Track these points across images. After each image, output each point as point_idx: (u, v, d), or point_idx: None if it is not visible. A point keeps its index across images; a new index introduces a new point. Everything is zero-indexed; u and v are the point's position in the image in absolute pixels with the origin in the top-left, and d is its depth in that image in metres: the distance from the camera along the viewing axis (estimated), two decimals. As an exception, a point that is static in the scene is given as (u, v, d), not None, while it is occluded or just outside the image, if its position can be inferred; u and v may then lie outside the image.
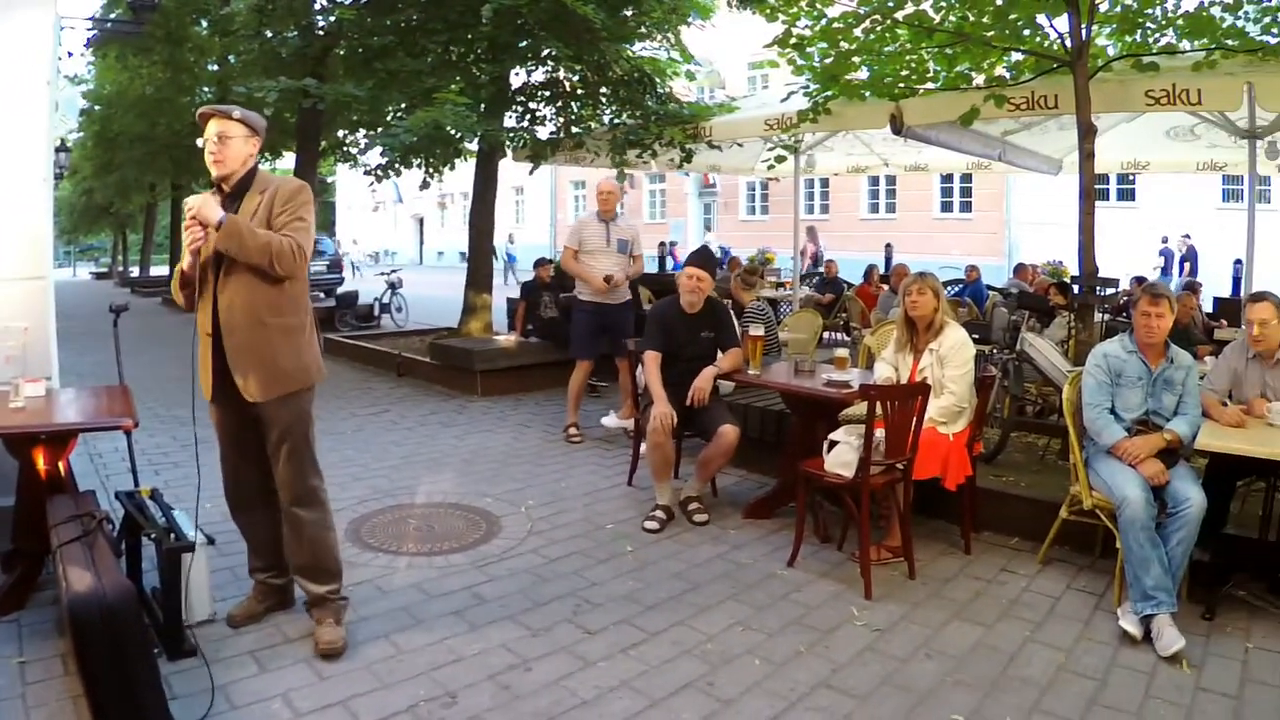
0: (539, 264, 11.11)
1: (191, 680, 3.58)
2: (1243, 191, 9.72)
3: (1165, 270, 21.62)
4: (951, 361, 5.22)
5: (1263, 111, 7.83)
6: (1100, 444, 4.75)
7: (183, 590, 3.79)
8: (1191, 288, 12.34)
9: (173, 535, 3.94)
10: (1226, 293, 14.33)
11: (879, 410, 4.57)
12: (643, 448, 5.99)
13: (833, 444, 4.93)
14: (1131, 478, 4.51)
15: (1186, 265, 21.82)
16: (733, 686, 3.74)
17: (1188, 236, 22.23)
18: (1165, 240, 22.70)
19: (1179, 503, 4.41)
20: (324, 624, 3.97)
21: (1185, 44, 7.11)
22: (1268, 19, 7.28)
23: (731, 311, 6.60)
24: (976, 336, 6.24)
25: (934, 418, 5.09)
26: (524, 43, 10.11)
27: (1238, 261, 13.40)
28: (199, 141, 3.82)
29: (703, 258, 6.10)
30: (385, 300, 17.61)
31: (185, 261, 3.76)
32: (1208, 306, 12.54)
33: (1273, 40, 6.96)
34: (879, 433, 4.67)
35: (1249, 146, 8.90)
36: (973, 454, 5.38)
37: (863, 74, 7.87)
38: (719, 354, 5.87)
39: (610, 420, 7.87)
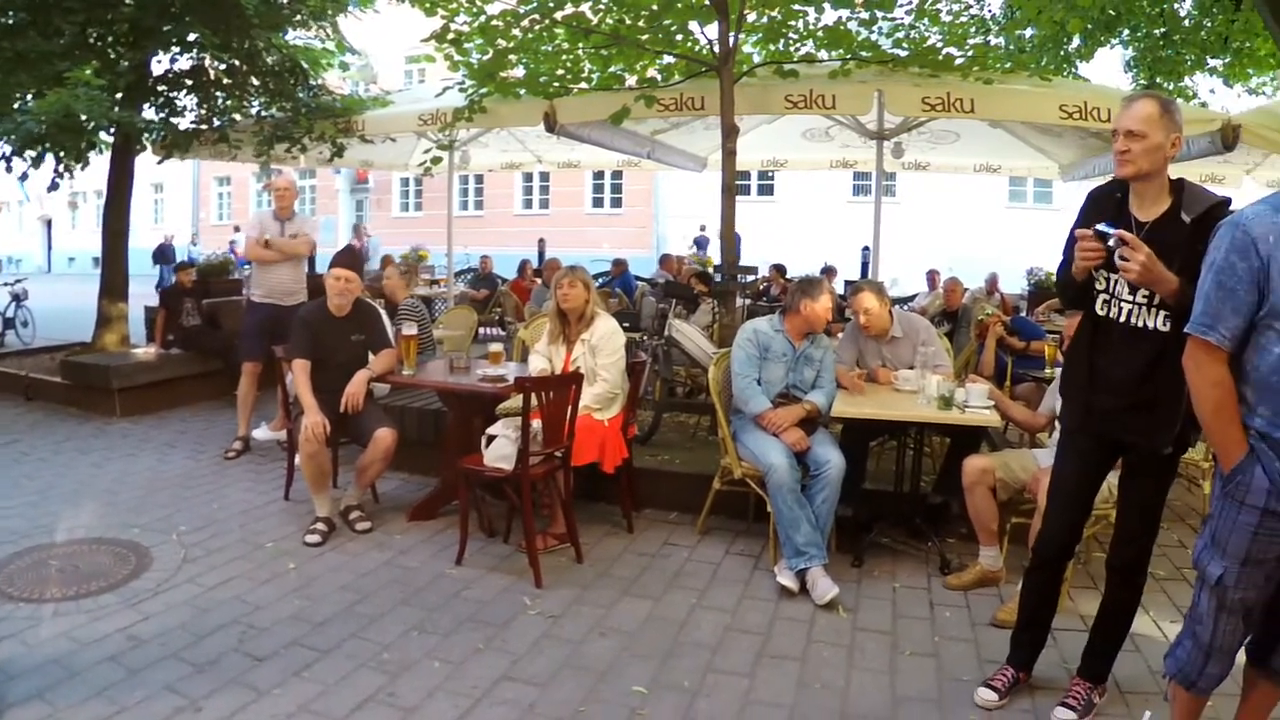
0: (179, 268, 10.28)
1: None
2: (871, 187, 10.67)
3: (702, 249, 23.16)
4: (603, 350, 5.36)
5: (890, 115, 8.65)
6: (747, 413, 5.11)
7: None
8: (827, 272, 13.43)
9: None
10: (856, 276, 15.63)
11: (534, 401, 4.60)
12: (297, 459, 5.71)
13: (491, 438, 4.91)
14: (776, 446, 4.89)
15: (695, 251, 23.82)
16: (414, 693, 3.65)
17: (703, 227, 24.28)
18: (703, 228, 24.47)
19: (820, 465, 4.89)
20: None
21: (824, 54, 7.66)
22: (899, 34, 8.07)
23: (384, 311, 6.41)
24: (627, 325, 6.43)
25: (588, 405, 5.20)
26: (168, 27, 9.29)
27: (865, 249, 14.68)
28: None
29: (349, 258, 5.90)
30: (8, 314, 15.60)
31: None
32: (840, 289, 13.71)
33: (902, 53, 7.69)
34: (536, 423, 4.71)
35: (877, 147, 9.78)
36: (628, 437, 5.56)
37: (519, 72, 7.91)
38: (371, 356, 5.69)
39: (261, 432, 7.43)
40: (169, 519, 5.66)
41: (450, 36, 7.54)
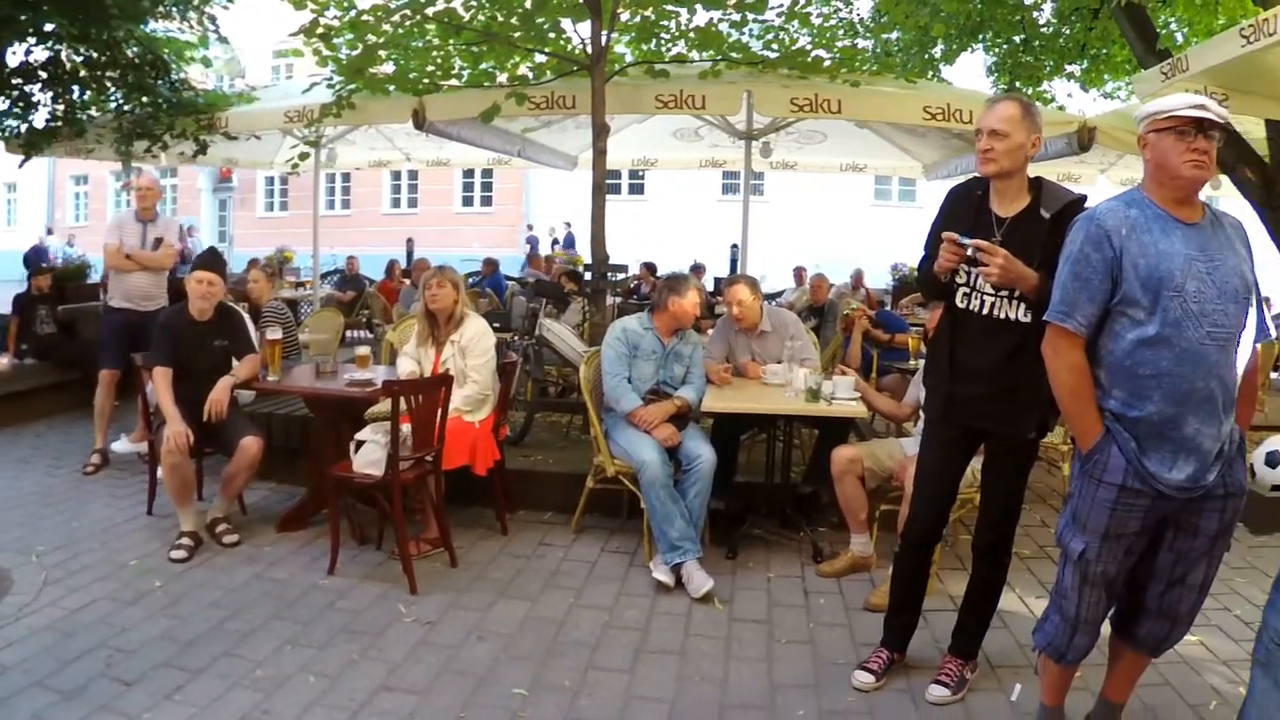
0: (35, 273, 9.73)
1: None
2: (740, 186, 10.83)
3: (534, 250, 22.86)
4: (473, 351, 5.29)
5: (759, 116, 8.76)
6: (618, 411, 5.12)
7: None
8: (696, 270, 13.53)
9: None
10: (725, 274, 15.75)
11: (403, 405, 4.51)
12: (159, 472, 5.46)
13: (360, 444, 4.79)
14: (647, 443, 4.90)
15: (556, 247, 23.97)
16: (291, 710, 3.51)
17: (569, 224, 24.60)
18: (568, 224, 24.71)
19: (692, 460, 4.92)
20: None
21: (695, 54, 7.72)
22: (769, 36, 8.16)
23: (247, 315, 6.20)
24: (497, 325, 6.36)
25: (459, 407, 5.12)
26: (24, 16, 8.76)
27: (734, 246, 14.82)
28: None
29: (211, 260, 5.68)
30: None
31: None
32: (710, 286, 13.83)
33: (772, 55, 7.81)
34: (405, 428, 4.60)
35: (746, 146, 9.91)
36: (500, 438, 5.51)
37: (389, 68, 7.76)
38: (235, 362, 5.49)
39: (121, 445, 7.06)
40: (26, 539, 5.33)
41: (319, 31, 7.33)
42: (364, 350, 5.86)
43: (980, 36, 11.76)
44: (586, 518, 5.53)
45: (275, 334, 5.80)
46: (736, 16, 7.68)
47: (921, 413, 4.40)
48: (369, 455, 4.69)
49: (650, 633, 4.21)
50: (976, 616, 3.74)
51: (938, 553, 4.06)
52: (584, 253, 13.68)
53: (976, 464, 3.77)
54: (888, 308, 10.82)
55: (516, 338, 7.40)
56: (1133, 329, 2.73)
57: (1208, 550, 2.92)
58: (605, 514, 5.62)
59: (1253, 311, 2.80)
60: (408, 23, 7.24)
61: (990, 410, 3.41)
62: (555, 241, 25.39)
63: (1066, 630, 3.03)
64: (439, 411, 4.75)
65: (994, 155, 3.29)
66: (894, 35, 12.23)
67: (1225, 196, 10.42)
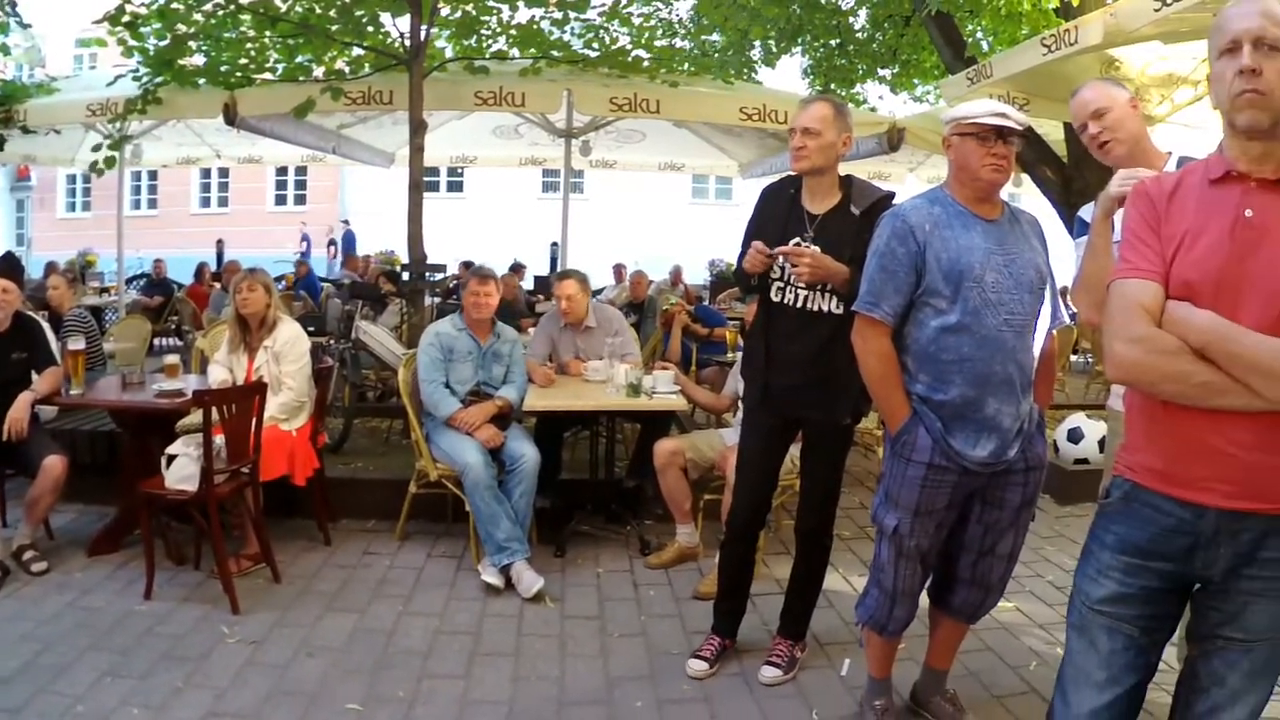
0: None
1: None
2: (559, 184, 10.86)
3: (306, 254, 22.84)
4: (287, 357, 5.11)
5: (579, 114, 8.76)
6: (438, 416, 5.03)
7: None
8: (516, 269, 13.46)
9: None
10: (545, 271, 15.75)
11: (216, 416, 4.31)
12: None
13: (171, 458, 4.55)
14: (470, 445, 4.86)
15: (332, 249, 24.07)
16: (113, 746, 3.31)
17: (347, 222, 24.51)
18: (346, 222, 24.53)
19: (515, 460, 4.90)
20: None
21: (515, 52, 7.65)
22: (590, 35, 8.16)
23: (47, 325, 5.82)
24: (312, 329, 6.22)
25: (275, 415, 4.93)
26: None
27: (554, 244, 14.81)
28: None
29: (5, 265, 5.31)
30: None
31: None
32: (529, 285, 13.82)
33: (592, 54, 7.81)
34: (219, 439, 4.41)
35: (565, 145, 9.92)
36: (318, 446, 5.33)
37: (199, 60, 7.41)
38: (35, 376, 5.14)
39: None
40: None
41: (125, 19, 6.94)
42: (173, 359, 5.58)
43: (799, 40, 12.13)
44: (411, 524, 5.42)
45: (78, 344, 5.42)
46: (558, 15, 7.70)
47: (740, 403, 4.52)
48: (181, 470, 4.47)
49: (483, 636, 4.17)
50: (802, 598, 3.87)
51: (762, 539, 4.16)
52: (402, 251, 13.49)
53: (795, 451, 3.90)
54: (706, 303, 11.03)
55: (332, 341, 7.22)
56: (936, 318, 2.90)
57: (1014, 521, 3.12)
58: (430, 519, 5.52)
59: (1047, 301, 3.02)
60: (220, 12, 6.96)
61: (806, 398, 3.54)
62: (332, 244, 24.85)
63: (886, 603, 3.18)
64: (253, 421, 4.57)
65: (807, 153, 3.43)
66: (714, 37, 12.49)
67: (1026, 194, 11.08)
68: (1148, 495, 2.08)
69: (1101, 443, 6.28)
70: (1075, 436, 6.43)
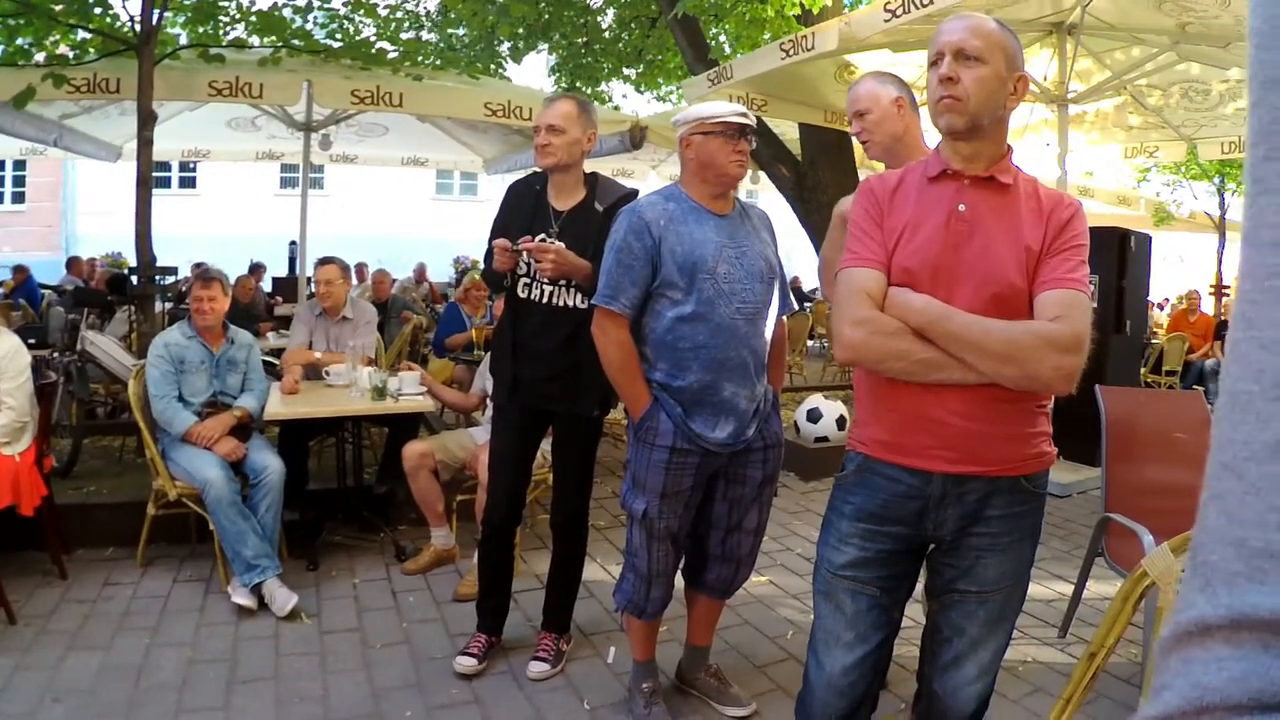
0: None
1: None
2: (298, 179, 10.48)
3: None
4: (5, 373, 4.68)
5: (319, 107, 8.46)
6: (173, 433, 4.77)
7: None
8: (254, 269, 12.90)
9: None
10: (284, 272, 15.19)
11: (-78, 444, 3.95)
12: None
13: None
14: (209, 460, 4.64)
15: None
16: None
17: None
18: None
19: (259, 472, 4.72)
20: None
21: (255, 40, 7.33)
22: (333, 24, 7.89)
23: None
24: (33, 341, 5.83)
25: (-6, 440, 4.56)
26: None
27: (293, 242, 14.27)
28: None
29: None
30: None
31: None
32: (268, 286, 13.30)
33: (335, 44, 7.56)
34: (-72, 470, 4.05)
35: (304, 138, 9.55)
36: (45, 471, 4.91)
37: None
38: None
39: None
40: None
41: None
42: None
43: (548, 36, 12.22)
44: (152, 548, 5.07)
45: None
46: (301, 2, 7.43)
47: (489, 401, 4.53)
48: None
49: (239, 661, 3.96)
50: (563, 590, 3.94)
51: (519, 534, 4.20)
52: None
53: (546, 445, 3.97)
54: (451, 299, 10.98)
55: (56, 354, 6.72)
56: (672, 308, 3.04)
57: (757, 497, 3.30)
58: (172, 541, 5.20)
59: (777, 290, 3.21)
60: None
61: (554, 391, 3.62)
62: None
63: (642, 586, 3.29)
64: (-31, 448, 4.20)
65: (552, 149, 3.51)
66: (460, 31, 12.41)
67: (764, 191, 11.60)
68: (879, 465, 2.25)
69: (839, 421, 6.71)
70: (814, 416, 6.81)
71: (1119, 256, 7.52)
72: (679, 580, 3.43)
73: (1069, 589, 4.51)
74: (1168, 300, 17.46)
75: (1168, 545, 2.10)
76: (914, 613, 2.56)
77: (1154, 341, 11.73)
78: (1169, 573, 2.04)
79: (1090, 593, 4.32)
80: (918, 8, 5.20)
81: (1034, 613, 4.48)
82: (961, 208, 2.16)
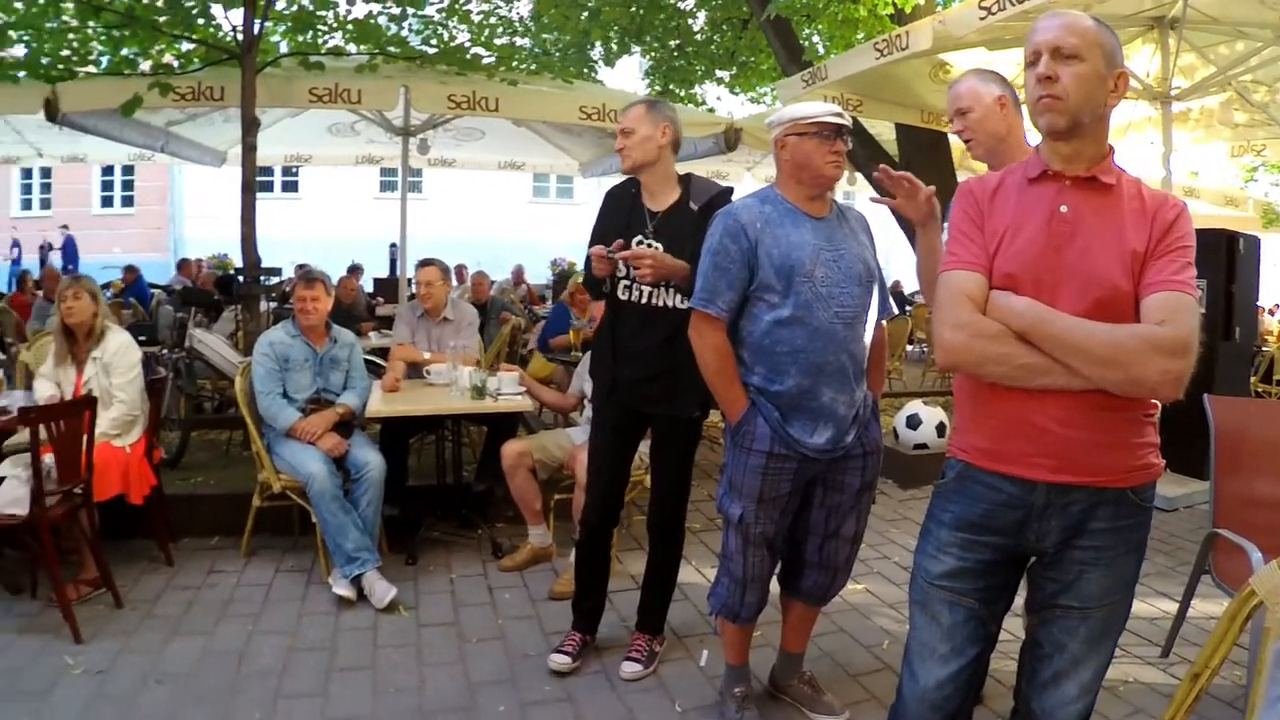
0: None
1: None
2: (397, 183, 10.69)
3: (18, 261, 21.54)
4: (117, 368, 4.88)
5: (416, 112, 8.63)
6: (277, 428, 4.90)
7: None
8: (353, 270, 13.18)
9: None
10: (385, 273, 15.47)
11: (44, 434, 4.10)
12: None
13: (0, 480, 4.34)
14: (313, 454, 4.75)
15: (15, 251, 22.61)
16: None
17: (65, 227, 22.98)
18: (65, 227, 23.03)
19: (360, 468, 4.82)
20: None
21: (352, 47, 7.52)
22: (427, 31, 8.06)
23: None
24: (143, 338, 5.99)
25: (106, 431, 4.70)
26: None
27: (393, 245, 14.54)
28: None
29: None
30: None
31: None
32: (369, 287, 13.57)
33: (430, 50, 7.71)
34: (48, 459, 4.19)
35: (403, 143, 9.77)
36: (154, 462, 5.09)
37: (19, 51, 6.99)
38: None
39: None
40: None
41: None
42: (-8, 373, 5.30)
43: (641, 40, 12.28)
44: (256, 538, 5.23)
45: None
46: (396, 10, 7.59)
47: (587, 403, 4.56)
48: (10, 493, 4.23)
49: (338, 650, 4.06)
50: (658, 592, 3.94)
51: (615, 535, 4.21)
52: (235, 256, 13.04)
53: (644, 447, 3.97)
54: (549, 303, 11.07)
55: (165, 350, 6.94)
56: (769, 311, 3.02)
57: (855, 504, 3.27)
58: (276, 532, 5.35)
59: (876, 293, 3.17)
60: (41, 0, 6.58)
61: (652, 393, 3.61)
62: (47, 246, 22.45)
63: (737, 591, 3.27)
64: (84, 438, 4.35)
65: (627, 151, 3.58)
66: (554, 36, 12.53)
67: (860, 192, 11.50)
68: (979, 474, 2.20)
69: (939, 428, 6.60)
70: (913, 423, 6.72)
71: (1227, 259, 7.21)
72: (774, 585, 3.40)
73: (1173, 607, 4.36)
74: (1278, 306, 16.83)
75: (1277, 563, 2.02)
76: (1013, 627, 2.50)
77: (1264, 349, 11.28)
78: (1278, 591, 1.97)
79: (1195, 611, 4.15)
80: (1013, 4, 5.08)
81: (1136, 631, 4.34)
82: (1063, 209, 2.11)
